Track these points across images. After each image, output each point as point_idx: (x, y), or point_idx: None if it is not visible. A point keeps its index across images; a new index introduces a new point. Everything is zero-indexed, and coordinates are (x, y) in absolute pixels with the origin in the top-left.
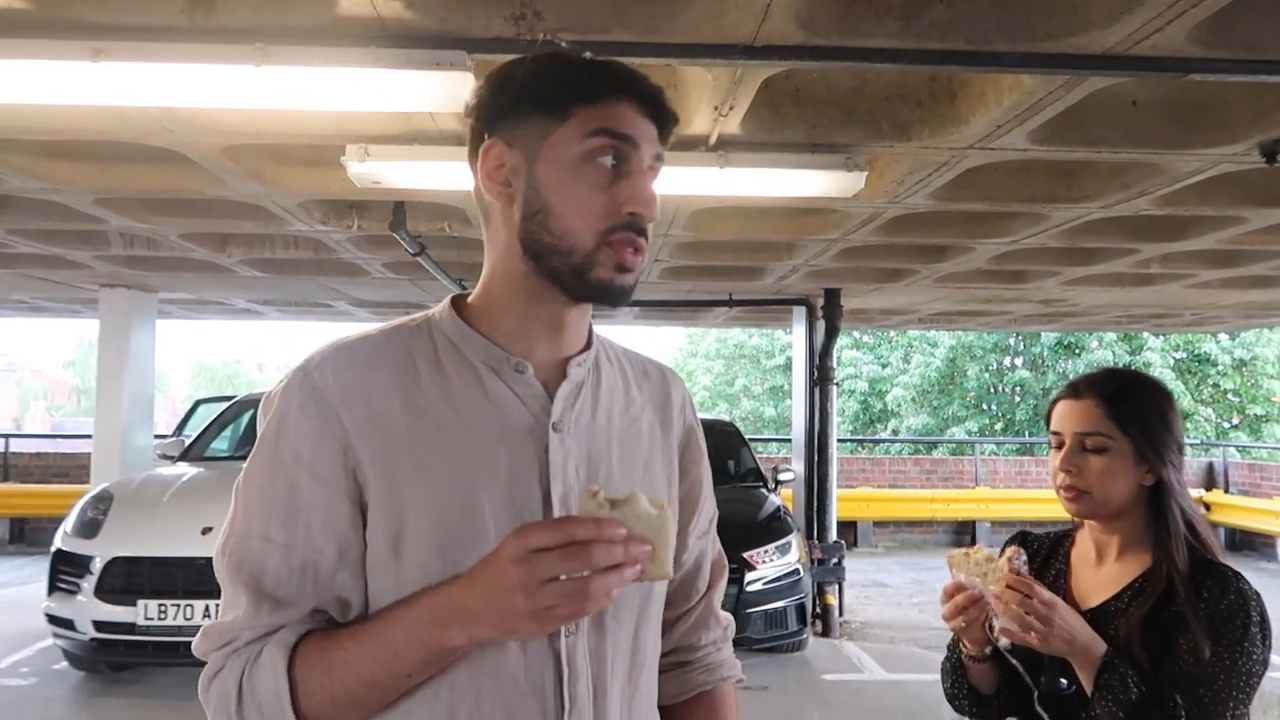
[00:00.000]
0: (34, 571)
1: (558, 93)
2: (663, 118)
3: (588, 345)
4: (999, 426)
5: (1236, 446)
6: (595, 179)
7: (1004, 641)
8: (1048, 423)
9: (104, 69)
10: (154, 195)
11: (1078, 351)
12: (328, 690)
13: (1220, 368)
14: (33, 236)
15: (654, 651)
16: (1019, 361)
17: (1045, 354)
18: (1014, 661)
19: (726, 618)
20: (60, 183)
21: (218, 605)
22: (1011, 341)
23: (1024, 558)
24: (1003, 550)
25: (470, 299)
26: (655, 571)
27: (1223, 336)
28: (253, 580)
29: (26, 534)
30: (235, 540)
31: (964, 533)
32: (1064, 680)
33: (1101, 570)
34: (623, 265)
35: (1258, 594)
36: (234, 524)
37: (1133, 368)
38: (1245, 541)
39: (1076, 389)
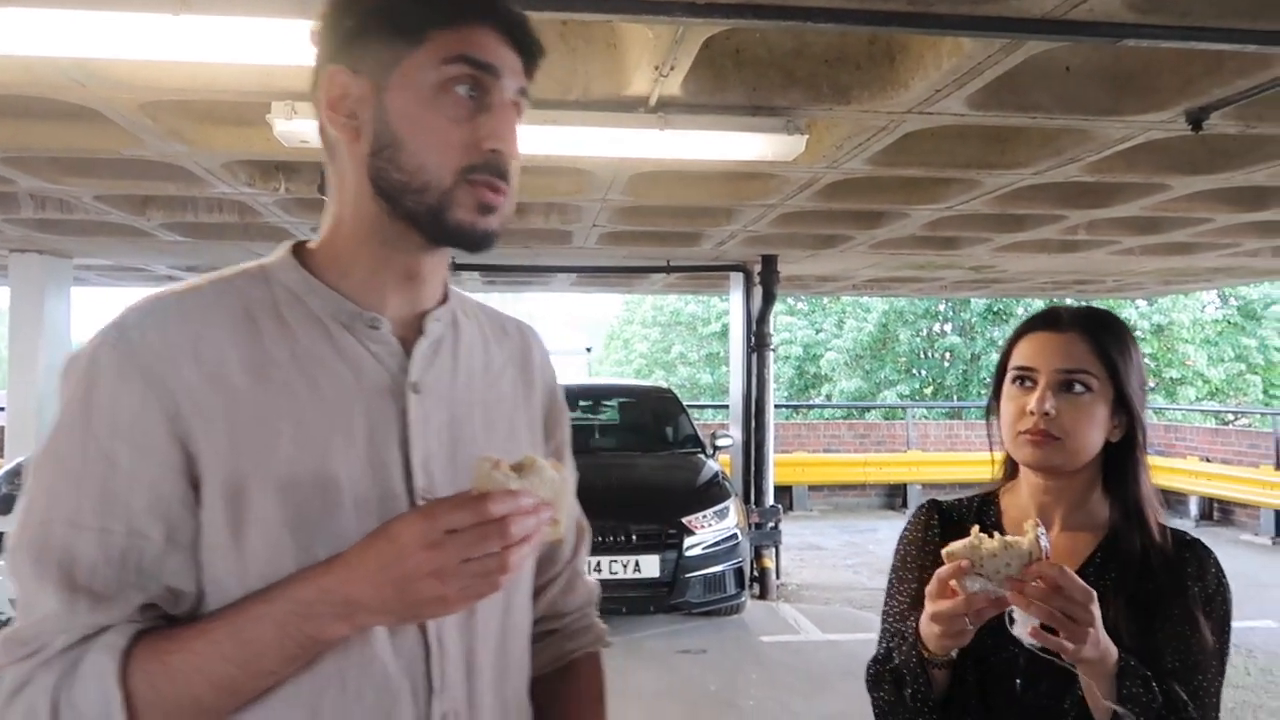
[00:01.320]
0: None
1: (411, 14)
2: (527, 48)
3: (444, 299)
4: (929, 390)
5: (1153, 409)
6: (452, 110)
7: (1031, 640)
8: (1004, 360)
9: (8, 14)
10: (66, 154)
11: (1005, 318)
12: (171, 699)
13: (1139, 333)
14: None
15: (525, 621)
16: (949, 327)
17: (974, 320)
18: (1049, 656)
19: (591, 582)
20: None
21: None
22: (942, 307)
23: (1045, 533)
24: (986, 529)
25: (313, 246)
26: (552, 534)
27: (1141, 302)
28: (61, 573)
29: None
30: (34, 529)
31: (896, 495)
32: (1031, 686)
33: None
34: (485, 205)
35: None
36: (31, 510)
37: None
38: (1161, 500)
39: (1057, 321)
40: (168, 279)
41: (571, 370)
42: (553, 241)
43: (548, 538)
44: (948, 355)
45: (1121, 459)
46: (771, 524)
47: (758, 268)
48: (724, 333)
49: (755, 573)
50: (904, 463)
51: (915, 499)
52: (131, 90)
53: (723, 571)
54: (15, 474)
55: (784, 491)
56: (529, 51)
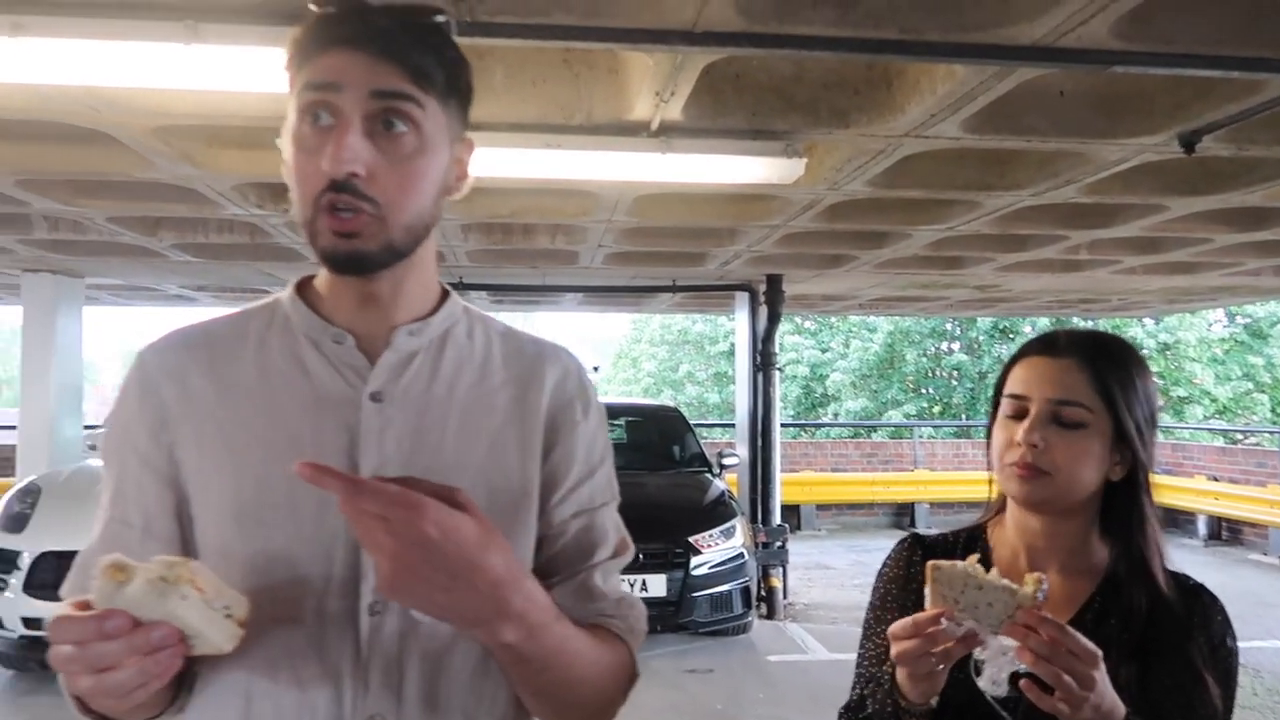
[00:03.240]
0: None
1: (288, 61)
2: (396, 51)
3: (433, 313)
4: (936, 410)
5: (1161, 428)
6: (305, 141)
7: (1003, 688)
8: (1000, 384)
9: (23, 45)
10: (79, 176)
11: (1012, 336)
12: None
13: (1145, 351)
14: None
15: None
16: (955, 346)
17: (981, 338)
18: (1004, 715)
19: (619, 590)
20: None
21: None
22: (948, 326)
23: (1046, 586)
24: (964, 555)
25: (316, 278)
26: (202, 646)
27: (1148, 321)
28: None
29: None
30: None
31: (904, 514)
32: None
33: None
34: (337, 231)
35: None
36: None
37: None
38: (1169, 519)
39: (1054, 345)
40: (177, 298)
41: None
42: (560, 262)
43: (200, 650)
44: (954, 374)
45: (1123, 500)
46: (778, 543)
47: (763, 287)
48: (732, 351)
49: (763, 592)
50: (911, 482)
51: (923, 518)
52: (144, 115)
53: (729, 591)
54: (27, 493)
55: (791, 510)
56: (394, 54)
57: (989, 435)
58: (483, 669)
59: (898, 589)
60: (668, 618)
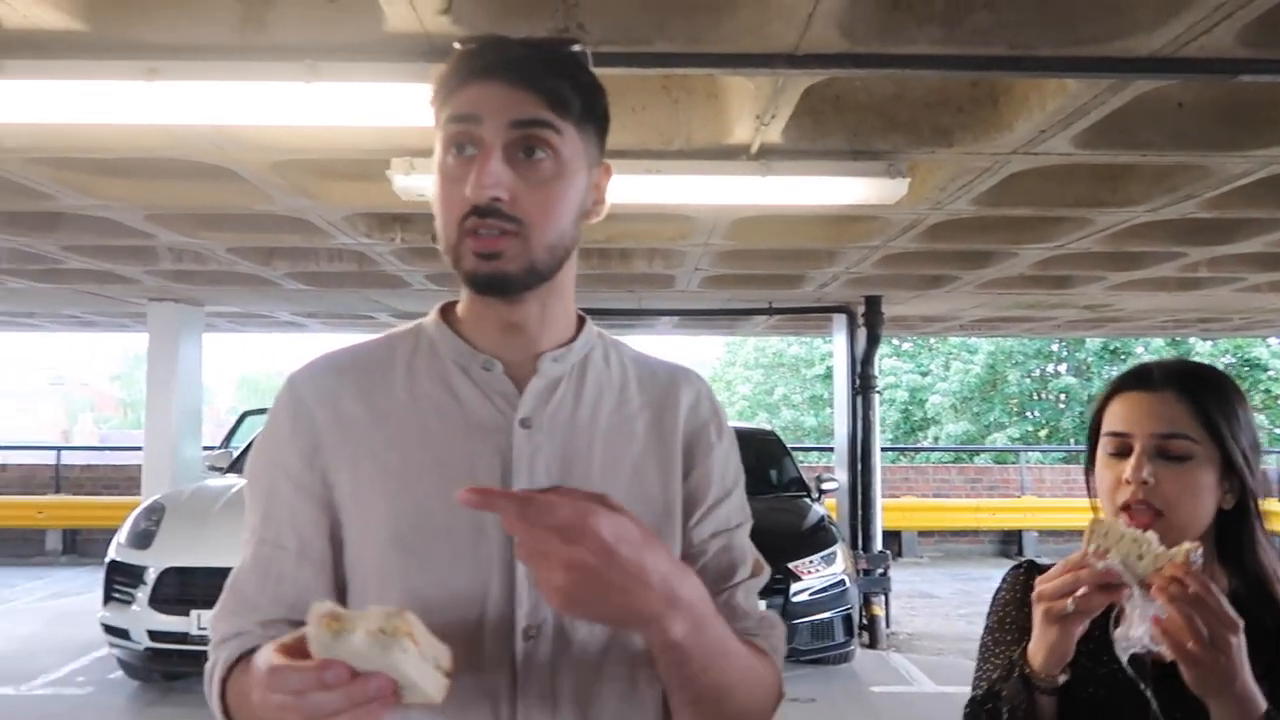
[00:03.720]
0: (86, 582)
1: (434, 97)
2: (532, 80)
3: (573, 340)
4: (1043, 433)
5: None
6: (451, 170)
7: (1139, 647)
8: (1096, 421)
9: (158, 88)
10: (202, 210)
11: (1123, 357)
12: (246, 717)
13: (1271, 372)
14: (84, 252)
15: (624, 669)
16: (1063, 368)
17: (1090, 359)
18: (1134, 673)
19: (760, 611)
20: (112, 199)
21: None
22: (1055, 347)
23: (1200, 556)
24: None
25: (458, 304)
26: (413, 697)
27: (1273, 340)
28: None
29: (79, 545)
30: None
31: (1010, 542)
32: None
33: None
34: (479, 252)
35: None
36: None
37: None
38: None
39: (1149, 379)
40: (289, 324)
41: None
42: (655, 285)
43: (409, 700)
44: (1062, 397)
45: (1234, 527)
46: (880, 570)
47: (861, 309)
48: (828, 374)
49: (864, 620)
50: (1018, 508)
51: (1030, 546)
52: (263, 151)
53: (831, 618)
54: (152, 511)
55: (893, 537)
56: (530, 83)
57: (1088, 471)
58: (630, 694)
59: (1015, 610)
60: None
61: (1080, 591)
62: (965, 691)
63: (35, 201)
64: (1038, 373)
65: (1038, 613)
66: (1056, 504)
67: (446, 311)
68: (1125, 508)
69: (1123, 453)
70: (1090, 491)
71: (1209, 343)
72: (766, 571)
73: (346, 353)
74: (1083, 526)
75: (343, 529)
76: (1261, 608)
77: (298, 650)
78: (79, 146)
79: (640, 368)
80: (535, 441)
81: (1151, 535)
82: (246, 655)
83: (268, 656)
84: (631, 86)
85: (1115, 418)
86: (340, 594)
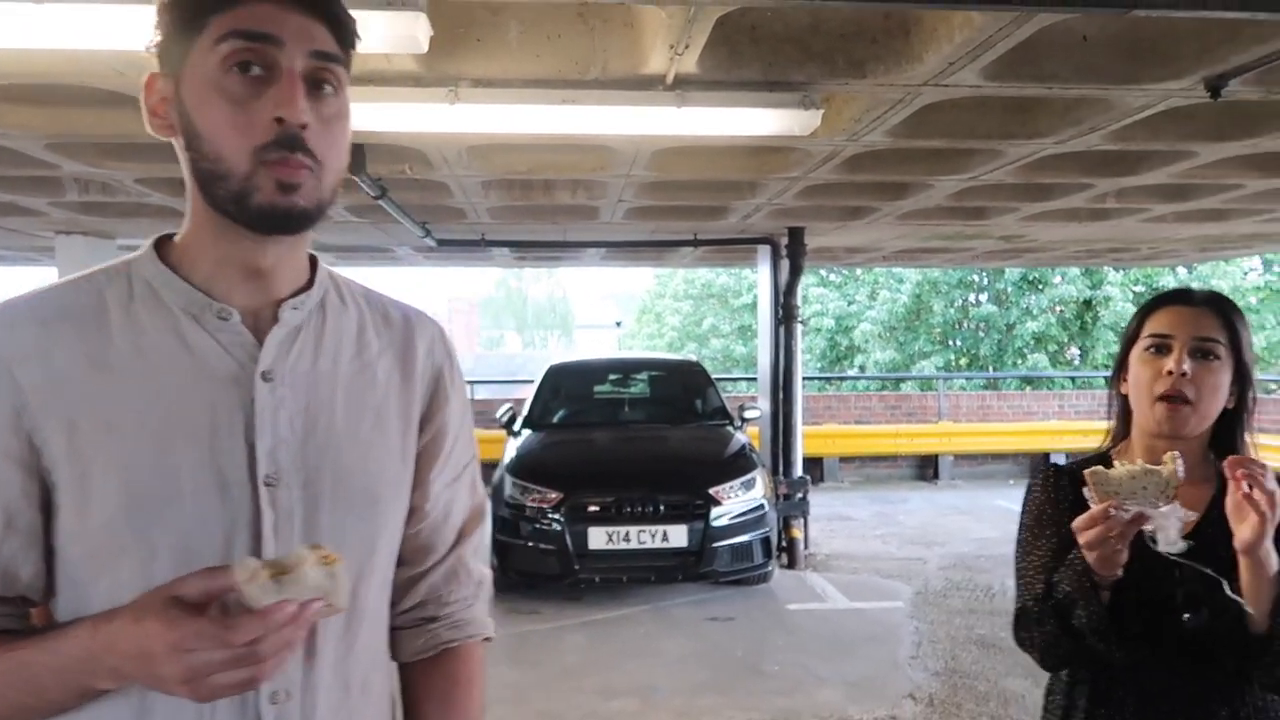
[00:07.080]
0: None
1: (191, 4)
2: (323, 11)
3: (309, 285)
4: (964, 361)
5: None
6: (234, 90)
7: (1179, 545)
8: (1135, 331)
9: (50, 10)
10: (108, 139)
11: (1041, 286)
12: None
13: None
14: None
15: (376, 605)
16: (983, 297)
17: (1009, 289)
18: (1191, 564)
19: (481, 572)
20: (10, 127)
21: None
22: (976, 277)
23: (1181, 460)
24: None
25: (176, 239)
26: (330, 612)
27: (1181, 270)
28: None
29: None
30: None
31: (927, 466)
32: (1193, 613)
33: None
34: (283, 184)
35: None
36: None
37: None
38: None
39: (1189, 297)
40: None
41: (602, 344)
42: (580, 217)
43: (327, 614)
44: (982, 325)
45: (1231, 424)
46: (799, 495)
47: (784, 240)
48: (755, 304)
49: (783, 542)
50: (935, 434)
51: (946, 470)
52: None
53: (750, 541)
54: None
55: (815, 463)
56: (327, 15)
57: (1114, 382)
58: (379, 652)
59: (1051, 509)
60: (689, 567)
61: (1118, 533)
62: (877, 606)
63: None
64: (960, 302)
65: (1090, 556)
66: (972, 429)
67: (162, 249)
68: (1163, 398)
69: (1163, 350)
70: (1110, 407)
71: (1120, 272)
72: (483, 519)
73: (48, 299)
74: (997, 449)
75: (56, 493)
76: None
77: (191, 611)
78: None
79: (374, 308)
80: (278, 395)
81: (1139, 464)
82: None
83: (155, 624)
84: (547, 14)
85: (1160, 323)
86: (48, 562)
